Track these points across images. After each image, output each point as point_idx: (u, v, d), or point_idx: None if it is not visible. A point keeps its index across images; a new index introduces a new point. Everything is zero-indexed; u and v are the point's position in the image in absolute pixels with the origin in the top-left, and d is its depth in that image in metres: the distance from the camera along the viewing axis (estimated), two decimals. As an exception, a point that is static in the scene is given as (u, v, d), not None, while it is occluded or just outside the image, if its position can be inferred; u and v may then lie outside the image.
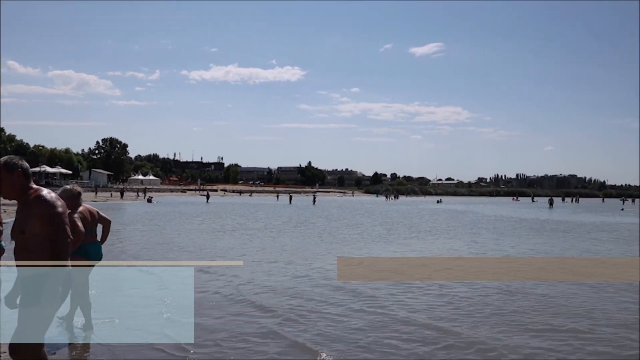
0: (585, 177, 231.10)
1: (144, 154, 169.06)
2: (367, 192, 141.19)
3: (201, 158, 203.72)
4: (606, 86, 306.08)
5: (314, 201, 57.23)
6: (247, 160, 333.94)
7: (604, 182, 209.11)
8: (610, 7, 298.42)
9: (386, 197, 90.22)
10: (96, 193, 58.63)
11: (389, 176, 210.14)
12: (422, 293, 8.32)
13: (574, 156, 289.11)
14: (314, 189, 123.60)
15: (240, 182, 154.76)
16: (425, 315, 6.89)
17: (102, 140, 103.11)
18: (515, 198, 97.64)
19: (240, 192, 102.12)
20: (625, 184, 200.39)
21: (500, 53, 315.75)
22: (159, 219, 25.83)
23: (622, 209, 51.90)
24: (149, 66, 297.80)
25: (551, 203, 57.18)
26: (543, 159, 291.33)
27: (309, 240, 16.69)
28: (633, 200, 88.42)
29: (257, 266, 10.95)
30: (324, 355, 5.24)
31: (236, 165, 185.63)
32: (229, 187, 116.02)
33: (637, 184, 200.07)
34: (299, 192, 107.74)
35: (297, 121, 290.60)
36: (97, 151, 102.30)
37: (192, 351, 5.31)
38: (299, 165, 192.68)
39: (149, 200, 50.02)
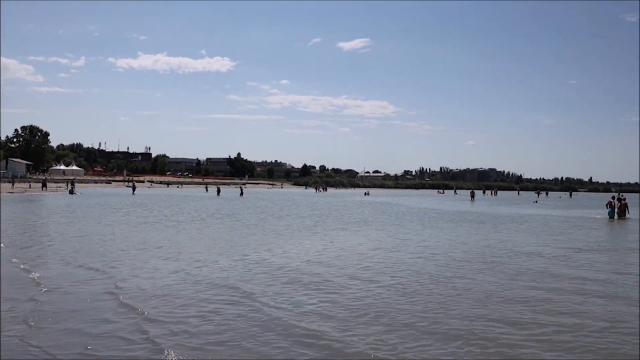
0: (504, 171, 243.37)
1: (67, 143, 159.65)
2: (296, 184, 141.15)
3: (128, 148, 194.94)
4: (523, 84, 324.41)
5: (242, 193, 56.58)
6: (176, 150, 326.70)
7: (521, 175, 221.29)
8: (529, 7, 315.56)
9: (316, 189, 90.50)
10: (13, 184, 54.53)
11: (317, 168, 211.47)
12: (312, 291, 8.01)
13: (493, 151, 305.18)
14: (244, 181, 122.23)
15: (168, 173, 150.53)
16: (291, 314, 6.62)
17: (22, 128, 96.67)
18: (440, 191, 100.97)
19: (168, 183, 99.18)
20: (540, 178, 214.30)
21: (424, 50, 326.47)
22: (79, 212, 24.20)
23: (536, 202, 54.90)
24: (74, 52, 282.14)
25: (473, 196, 59.61)
26: (465, 153, 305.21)
27: (229, 235, 16.05)
28: (547, 194, 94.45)
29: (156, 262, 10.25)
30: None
31: (164, 155, 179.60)
32: (156, 178, 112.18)
33: (551, 178, 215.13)
34: (228, 184, 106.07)
35: (226, 112, 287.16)
36: (15, 139, 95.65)
37: None
38: (228, 157, 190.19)
39: (71, 192, 47.14)
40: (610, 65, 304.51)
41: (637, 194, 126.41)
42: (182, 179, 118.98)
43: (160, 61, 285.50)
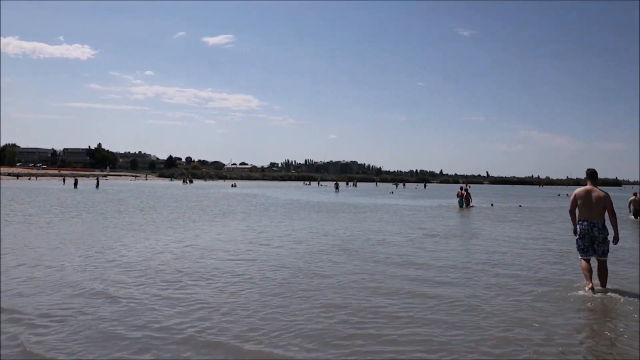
0: (364, 164, 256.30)
1: None
2: (162, 176, 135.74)
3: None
4: (378, 84, 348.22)
5: (97, 185, 53.03)
6: (28, 140, 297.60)
7: (380, 168, 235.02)
8: (381, 14, 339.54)
9: (183, 181, 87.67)
10: None
11: (184, 160, 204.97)
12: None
13: (354, 144, 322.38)
14: (104, 173, 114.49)
15: (18, 164, 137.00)
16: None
17: None
18: (307, 183, 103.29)
19: (18, 175, 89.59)
20: (398, 170, 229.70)
21: (286, 47, 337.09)
22: None
23: (392, 192, 58.65)
24: None
25: (337, 187, 61.86)
26: (328, 146, 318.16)
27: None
28: (404, 185, 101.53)
29: None
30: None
31: (14, 145, 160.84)
32: (4, 169, 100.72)
33: (407, 170, 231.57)
34: (87, 176, 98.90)
35: (87, 101, 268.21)
36: None
37: None
38: (88, 147, 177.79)
39: None
40: (451, 71, 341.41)
41: (481, 185, 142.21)
42: (34, 171, 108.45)
43: (12, 44, 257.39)
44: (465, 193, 30.30)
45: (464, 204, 29.38)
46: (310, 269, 8.97)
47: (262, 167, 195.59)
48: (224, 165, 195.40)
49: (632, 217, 22.68)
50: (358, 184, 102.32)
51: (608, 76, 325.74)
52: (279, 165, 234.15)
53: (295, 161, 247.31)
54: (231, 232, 14.87)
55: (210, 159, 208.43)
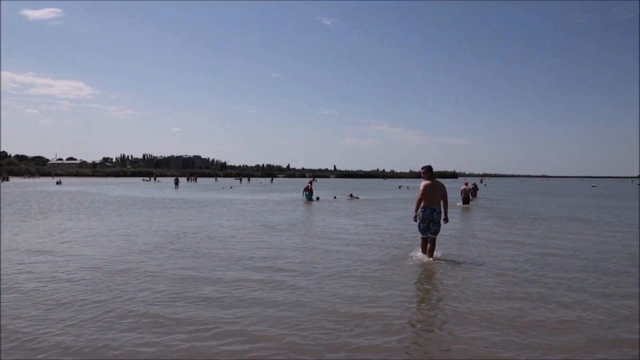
0: (209, 158, 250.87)
1: None
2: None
3: None
4: (229, 74, 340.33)
5: None
6: None
7: (225, 162, 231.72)
8: (238, 8, 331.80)
9: (2, 179, 76.81)
10: None
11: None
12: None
13: (198, 138, 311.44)
14: None
15: None
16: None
17: None
18: (146, 179, 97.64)
19: None
20: (244, 165, 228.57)
21: (126, 30, 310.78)
22: None
23: (231, 187, 57.98)
24: None
25: (177, 183, 59.15)
26: (170, 139, 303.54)
27: None
28: (249, 180, 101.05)
29: None
30: None
31: None
32: None
33: (253, 165, 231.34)
34: None
35: None
36: None
37: None
38: None
39: None
40: (309, 63, 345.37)
41: (327, 179, 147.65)
42: None
43: None
44: (310, 185, 30.52)
45: (314, 197, 30.05)
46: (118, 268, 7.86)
47: (94, 162, 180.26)
48: (47, 160, 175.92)
49: (461, 203, 26.03)
50: (199, 179, 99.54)
51: (455, 75, 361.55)
52: (114, 160, 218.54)
53: (132, 156, 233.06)
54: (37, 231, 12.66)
55: (30, 154, 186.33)
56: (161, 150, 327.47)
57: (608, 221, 18.49)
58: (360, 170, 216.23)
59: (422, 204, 9.28)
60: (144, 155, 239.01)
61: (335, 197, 33.52)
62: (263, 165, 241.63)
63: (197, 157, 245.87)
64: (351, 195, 34.11)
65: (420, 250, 9.56)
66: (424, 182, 9.34)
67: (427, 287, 7.49)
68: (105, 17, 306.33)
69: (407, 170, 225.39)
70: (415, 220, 9.41)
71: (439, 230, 9.36)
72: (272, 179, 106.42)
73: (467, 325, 5.45)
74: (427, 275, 8.20)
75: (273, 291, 6.85)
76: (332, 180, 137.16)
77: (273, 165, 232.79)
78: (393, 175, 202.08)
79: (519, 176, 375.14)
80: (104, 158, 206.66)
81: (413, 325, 5.50)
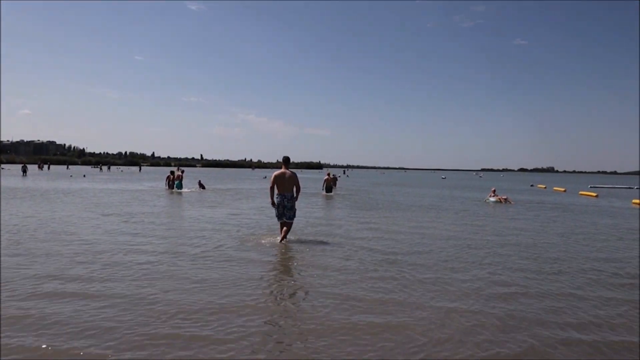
0: (65, 144, 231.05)
1: None
2: None
3: None
4: (85, 53, 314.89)
5: None
6: None
7: (84, 149, 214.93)
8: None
9: None
10: None
11: None
12: None
13: (53, 122, 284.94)
14: None
15: None
16: None
17: None
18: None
19: None
20: (104, 152, 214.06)
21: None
22: None
23: (84, 175, 55.10)
24: None
25: (24, 170, 53.99)
26: (19, 123, 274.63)
27: None
28: (109, 168, 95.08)
29: None
30: None
31: None
32: None
33: (115, 152, 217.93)
34: None
35: None
36: None
37: None
38: None
39: None
40: (176, 47, 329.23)
41: (194, 168, 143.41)
42: None
43: None
44: (179, 175, 29.36)
45: (176, 187, 28.88)
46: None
47: None
48: None
49: (324, 192, 28.58)
50: (52, 167, 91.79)
51: (318, 67, 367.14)
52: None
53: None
54: None
55: None
56: (9, 134, 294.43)
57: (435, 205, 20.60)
58: (228, 160, 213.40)
59: (276, 191, 9.95)
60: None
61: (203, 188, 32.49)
62: (126, 152, 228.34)
63: (52, 143, 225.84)
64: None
65: (279, 233, 10.28)
66: (275, 172, 10.04)
67: (271, 265, 8.06)
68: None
69: (275, 161, 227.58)
70: (273, 206, 9.98)
71: (293, 216, 10.10)
72: (140, 168, 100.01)
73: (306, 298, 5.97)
74: (275, 255, 8.91)
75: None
76: (199, 169, 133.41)
77: (137, 153, 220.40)
78: (260, 165, 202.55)
79: (379, 168, 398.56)
80: None
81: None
